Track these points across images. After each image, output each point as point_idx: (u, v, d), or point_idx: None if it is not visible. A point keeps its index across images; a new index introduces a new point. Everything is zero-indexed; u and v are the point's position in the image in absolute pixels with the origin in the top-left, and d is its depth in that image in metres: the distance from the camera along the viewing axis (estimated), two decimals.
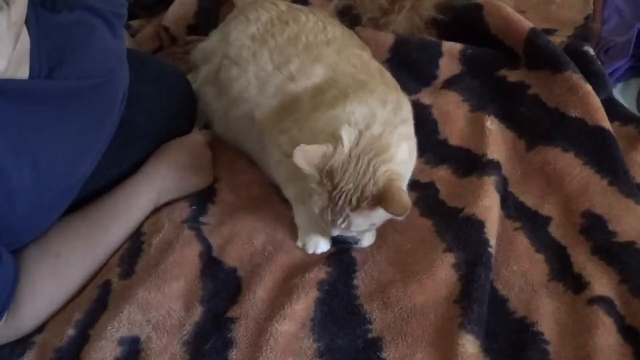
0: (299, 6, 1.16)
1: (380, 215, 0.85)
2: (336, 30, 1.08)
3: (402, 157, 0.87)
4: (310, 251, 0.93)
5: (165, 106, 1.07)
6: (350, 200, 0.83)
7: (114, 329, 0.83)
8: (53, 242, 0.88)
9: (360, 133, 0.84)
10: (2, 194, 0.76)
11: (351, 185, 0.82)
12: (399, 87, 1.02)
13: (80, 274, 0.90)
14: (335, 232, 0.89)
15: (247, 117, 1.01)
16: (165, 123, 1.07)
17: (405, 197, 0.81)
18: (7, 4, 0.70)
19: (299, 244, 0.94)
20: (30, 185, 0.79)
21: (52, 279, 0.87)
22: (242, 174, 1.07)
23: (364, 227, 0.87)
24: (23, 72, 0.81)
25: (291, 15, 1.08)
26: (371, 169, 0.82)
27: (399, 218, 0.86)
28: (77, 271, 0.90)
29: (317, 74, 0.97)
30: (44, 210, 0.85)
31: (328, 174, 0.83)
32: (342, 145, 0.83)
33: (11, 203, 0.78)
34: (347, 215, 0.84)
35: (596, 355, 0.79)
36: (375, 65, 1.04)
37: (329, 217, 0.85)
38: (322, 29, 1.06)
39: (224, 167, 1.08)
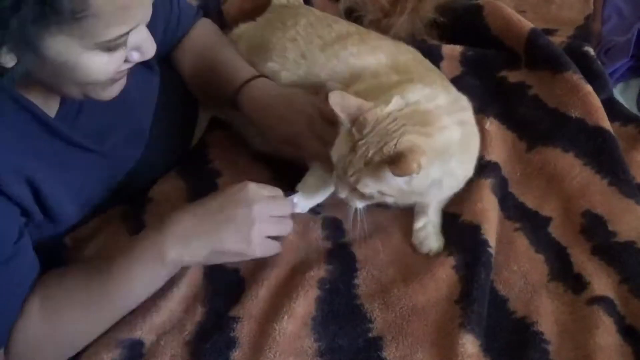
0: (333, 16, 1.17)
1: (388, 182, 0.82)
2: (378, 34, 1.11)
3: (447, 140, 0.85)
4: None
5: (168, 106, 1.08)
6: (367, 153, 0.81)
7: (114, 332, 0.83)
8: (60, 305, 0.80)
9: (408, 104, 0.85)
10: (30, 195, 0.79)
11: (377, 139, 0.81)
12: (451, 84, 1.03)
13: (83, 341, 0.82)
14: (344, 192, 0.85)
15: None
16: (170, 124, 1.07)
17: (412, 165, 0.77)
18: None
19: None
20: (57, 199, 0.83)
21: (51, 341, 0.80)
22: (245, 171, 1.07)
23: (371, 190, 0.83)
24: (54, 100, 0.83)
25: (330, 20, 1.10)
26: (401, 130, 0.81)
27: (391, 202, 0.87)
28: (79, 338, 0.82)
29: (380, 60, 0.98)
30: (65, 219, 0.88)
31: (359, 125, 0.82)
32: (385, 105, 0.83)
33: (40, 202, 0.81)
34: (359, 170, 0.82)
35: (596, 355, 0.79)
36: (428, 61, 1.07)
37: (344, 168, 0.83)
38: (367, 31, 1.09)
39: (227, 164, 1.08)
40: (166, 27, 1.04)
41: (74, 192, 0.85)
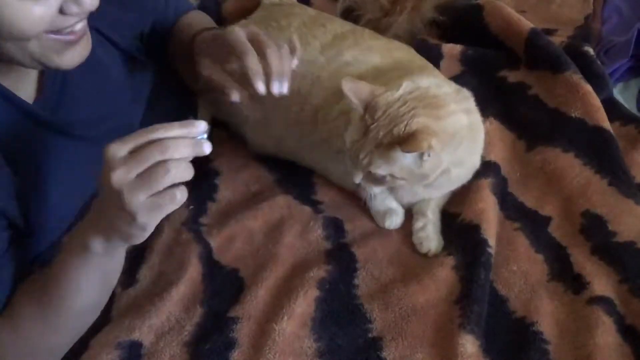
0: (326, 14, 1.17)
1: (399, 163, 0.83)
2: (372, 33, 1.11)
3: (456, 125, 0.86)
4: (391, 226, 0.95)
5: (162, 104, 1.07)
6: (378, 135, 0.83)
7: (113, 336, 0.83)
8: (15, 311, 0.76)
9: (418, 88, 0.86)
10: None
11: (387, 121, 0.83)
12: None
13: (53, 351, 0.79)
14: (359, 176, 0.87)
15: (302, 116, 1.00)
16: (163, 121, 1.07)
17: (423, 143, 0.78)
18: None
19: (380, 224, 0.96)
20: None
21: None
22: (243, 170, 1.07)
23: (383, 172, 0.85)
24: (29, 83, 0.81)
25: (325, 19, 1.09)
26: (412, 113, 0.83)
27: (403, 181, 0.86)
28: (48, 349, 0.78)
29: (375, 60, 0.99)
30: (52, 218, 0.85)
31: (371, 110, 0.84)
32: (396, 90, 0.84)
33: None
34: (371, 152, 0.84)
35: (596, 355, 0.79)
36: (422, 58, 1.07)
37: (356, 152, 0.85)
38: (362, 30, 1.09)
39: (227, 164, 1.08)
40: (157, 18, 1.02)
41: (62, 185, 0.83)
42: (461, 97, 0.92)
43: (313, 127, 0.99)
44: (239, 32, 0.81)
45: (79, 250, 0.70)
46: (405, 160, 0.83)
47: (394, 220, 0.95)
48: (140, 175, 0.62)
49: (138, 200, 0.63)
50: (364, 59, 1.00)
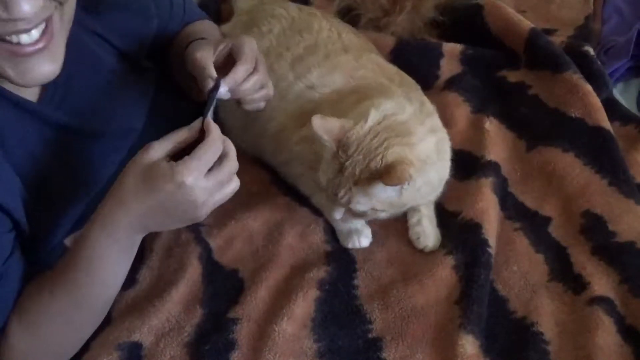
0: (309, 9, 1.15)
1: (379, 197, 0.83)
2: (350, 36, 1.08)
3: (427, 149, 0.86)
4: (355, 246, 0.93)
5: (164, 108, 1.07)
6: (355, 172, 0.82)
7: (113, 337, 0.83)
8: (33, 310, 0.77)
9: (385, 117, 0.85)
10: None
11: (361, 157, 0.82)
12: (418, 86, 1.03)
13: (73, 340, 0.81)
14: (340, 212, 0.86)
15: (269, 132, 0.99)
16: (166, 126, 1.07)
17: (404, 175, 0.79)
18: (61, 3, 0.70)
19: (344, 244, 0.94)
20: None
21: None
22: (242, 172, 1.07)
23: (364, 208, 0.85)
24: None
25: (304, 24, 1.07)
26: (385, 144, 0.82)
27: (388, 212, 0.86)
28: (67, 338, 0.80)
29: (337, 82, 0.97)
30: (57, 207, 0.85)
31: (344, 146, 0.83)
32: (365, 122, 0.83)
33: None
34: (350, 189, 0.83)
35: (596, 355, 0.79)
36: (392, 68, 1.05)
37: (334, 190, 0.84)
38: (338, 37, 1.06)
39: None
40: (161, 23, 1.02)
41: (66, 182, 0.83)
42: (425, 116, 0.91)
43: (276, 146, 0.99)
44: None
45: (117, 246, 0.75)
46: (385, 193, 0.83)
47: (357, 241, 0.93)
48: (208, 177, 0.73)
49: (205, 202, 0.74)
50: (327, 80, 0.97)
